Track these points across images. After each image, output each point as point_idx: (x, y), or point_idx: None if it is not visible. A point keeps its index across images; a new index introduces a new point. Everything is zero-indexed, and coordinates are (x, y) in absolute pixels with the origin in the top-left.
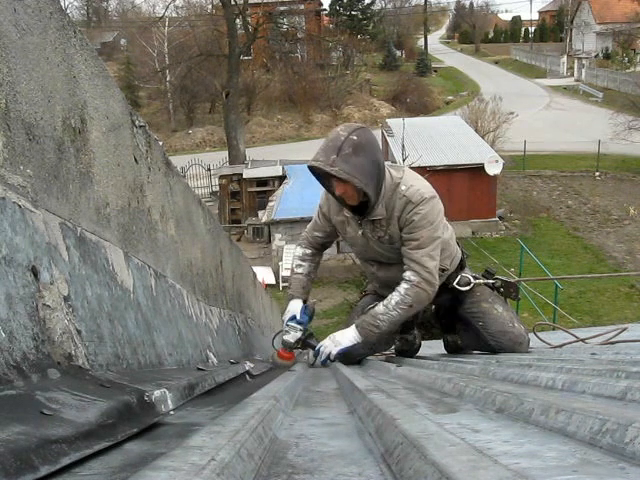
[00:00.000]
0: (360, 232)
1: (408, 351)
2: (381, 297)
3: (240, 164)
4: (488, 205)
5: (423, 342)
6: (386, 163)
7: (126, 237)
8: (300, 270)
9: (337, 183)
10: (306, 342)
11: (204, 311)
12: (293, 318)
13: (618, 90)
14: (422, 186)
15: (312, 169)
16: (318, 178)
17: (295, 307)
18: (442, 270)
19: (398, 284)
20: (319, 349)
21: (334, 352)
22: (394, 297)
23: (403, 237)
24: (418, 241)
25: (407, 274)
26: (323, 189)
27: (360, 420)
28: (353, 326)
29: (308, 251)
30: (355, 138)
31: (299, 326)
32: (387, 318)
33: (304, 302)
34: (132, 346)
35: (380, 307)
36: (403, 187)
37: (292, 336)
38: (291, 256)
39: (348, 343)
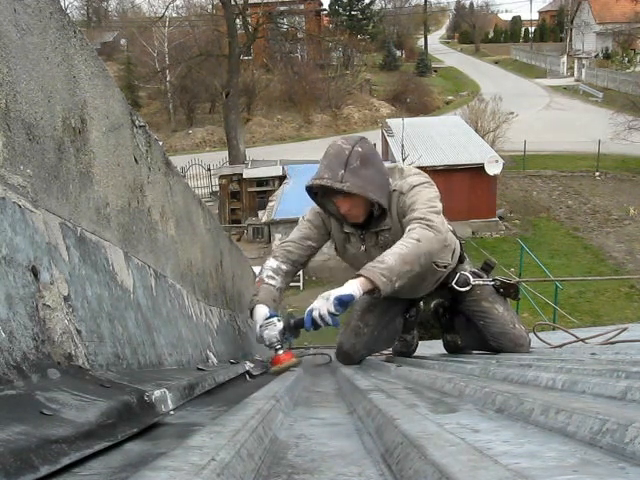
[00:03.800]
0: (363, 247)
1: (406, 352)
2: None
3: (240, 164)
4: (488, 205)
5: (423, 342)
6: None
7: (126, 237)
8: (272, 282)
9: (343, 200)
10: (293, 323)
11: (204, 311)
12: (265, 319)
13: (618, 90)
14: (410, 178)
15: (311, 188)
16: (314, 199)
17: (261, 311)
18: (444, 267)
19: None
20: (310, 315)
21: (329, 305)
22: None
23: (404, 223)
24: (414, 209)
25: (409, 227)
26: (311, 206)
27: (360, 420)
28: (351, 279)
29: (284, 267)
30: (360, 150)
31: (274, 318)
32: (394, 252)
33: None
34: (132, 346)
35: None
36: (393, 184)
37: (273, 329)
38: None
39: (344, 291)
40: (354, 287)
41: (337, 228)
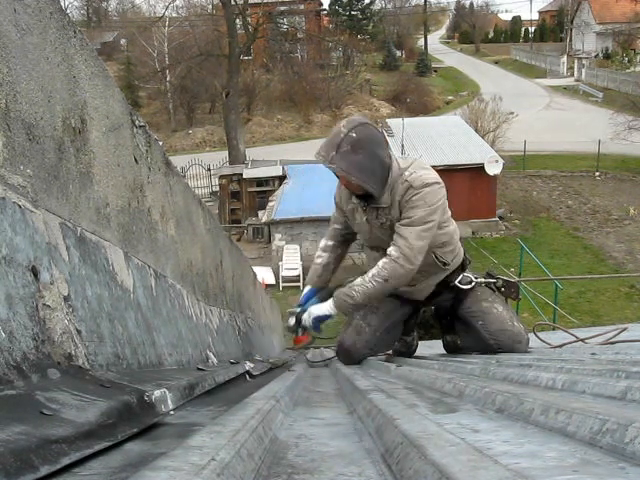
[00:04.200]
0: (364, 218)
1: (406, 352)
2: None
3: (240, 164)
4: (488, 205)
5: (423, 342)
6: (397, 155)
7: (126, 237)
8: (318, 260)
9: (340, 176)
10: (297, 322)
11: (204, 311)
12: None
13: (618, 90)
14: (426, 173)
15: None
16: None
17: (303, 292)
18: (444, 264)
19: None
20: (301, 324)
21: (309, 321)
22: (372, 270)
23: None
24: (411, 219)
25: (390, 249)
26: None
27: (360, 420)
28: (330, 299)
29: (330, 242)
30: (354, 135)
31: (297, 309)
32: (362, 290)
33: (320, 289)
34: (132, 346)
35: (358, 279)
36: (407, 173)
37: (291, 320)
38: (291, 256)
39: (321, 312)
40: (328, 307)
41: (347, 198)
